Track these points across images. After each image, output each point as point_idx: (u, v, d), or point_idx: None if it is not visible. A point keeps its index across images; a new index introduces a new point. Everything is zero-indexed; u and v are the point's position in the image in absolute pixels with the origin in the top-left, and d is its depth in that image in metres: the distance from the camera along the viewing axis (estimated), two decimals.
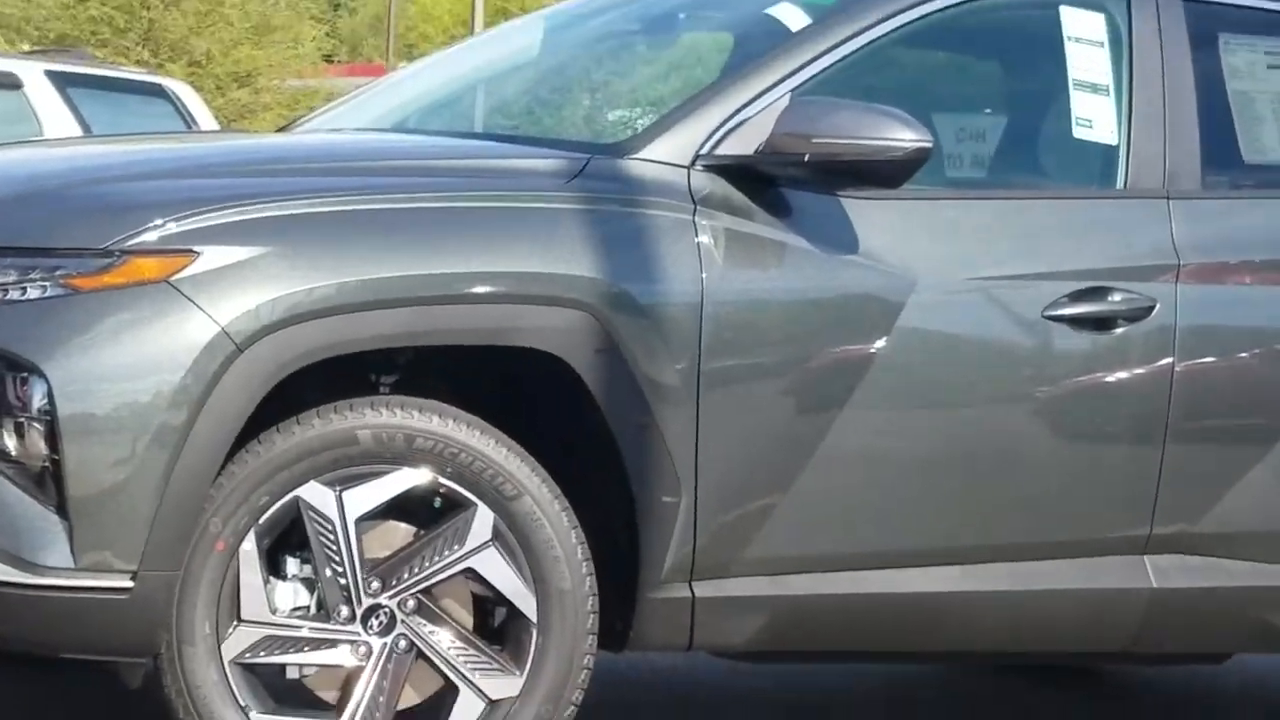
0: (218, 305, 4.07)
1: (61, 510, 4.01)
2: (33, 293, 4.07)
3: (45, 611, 4.07)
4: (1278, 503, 4.99)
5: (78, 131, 11.71)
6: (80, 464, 4.00)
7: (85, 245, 4.11)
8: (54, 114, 11.99)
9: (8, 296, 4.07)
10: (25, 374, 4.02)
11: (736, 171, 4.54)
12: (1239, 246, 5.06)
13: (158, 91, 12.92)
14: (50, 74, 12.36)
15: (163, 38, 38.13)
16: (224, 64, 38.37)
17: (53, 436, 4.00)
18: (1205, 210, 5.04)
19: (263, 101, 37.17)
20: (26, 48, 22.41)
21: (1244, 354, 5.01)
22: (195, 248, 4.11)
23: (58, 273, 4.08)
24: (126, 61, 24.06)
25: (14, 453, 4.05)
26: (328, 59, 50.70)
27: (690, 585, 4.46)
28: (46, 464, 4.02)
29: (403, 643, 4.26)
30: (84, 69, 13.03)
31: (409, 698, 4.31)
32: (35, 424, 4.02)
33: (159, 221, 4.13)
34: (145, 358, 4.05)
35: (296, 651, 4.25)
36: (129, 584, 4.04)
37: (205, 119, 12.80)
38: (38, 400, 4.02)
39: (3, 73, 12.41)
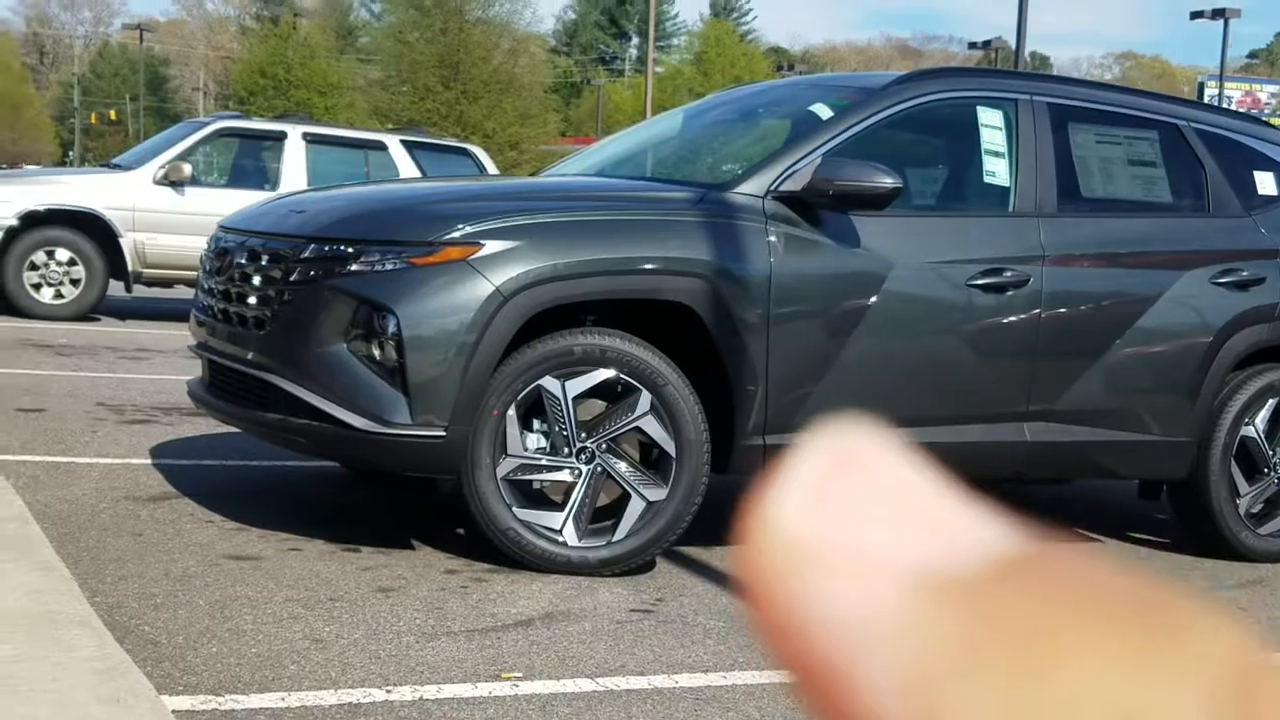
0: (494, 274, 3.93)
1: (405, 392, 3.86)
2: (389, 266, 3.94)
3: (397, 449, 3.97)
4: (1100, 393, 4.72)
5: (417, 174, 11.47)
6: (416, 365, 3.86)
7: (419, 239, 3.97)
8: (405, 165, 11.79)
9: (374, 269, 3.91)
10: (385, 313, 3.87)
11: (791, 200, 4.34)
12: (1077, 245, 4.78)
13: (464, 153, 12.65)
14: (404, 142, 12.14)
15: (468, 121, 37.94)
16: (503, 137, 38.14)
17: (400, 349, 3.84)
18: (1059, 224, 4.73)
19: (524, 159, 36.87)
20: (391, 127, 22.15)
21: (1081, 306, 4.72)
22: (481, 241, 3.96)
23: (403, 255, 3.93)
24: (447, 135, 23.73)
25: (378, 358, 3.85)
26: (562, 134, 50.08)
27: (763, 436, 4.27)
28: (396, 365, 3.84)
29: (599, 469, 4.08)
30: (423, 139, 12.75)
31: (602, 500, 4.12)
32: (390, 342, 3.83)
33: (461, 227, 3.97)
34: (452, 304, 3.92)
35: (538, 473, 4.06)
36: (444, 433, 3.91)
37: (490, 169, 12.52)
38: (391, 328, 3.86)
39: (377, 141, 12.19)
